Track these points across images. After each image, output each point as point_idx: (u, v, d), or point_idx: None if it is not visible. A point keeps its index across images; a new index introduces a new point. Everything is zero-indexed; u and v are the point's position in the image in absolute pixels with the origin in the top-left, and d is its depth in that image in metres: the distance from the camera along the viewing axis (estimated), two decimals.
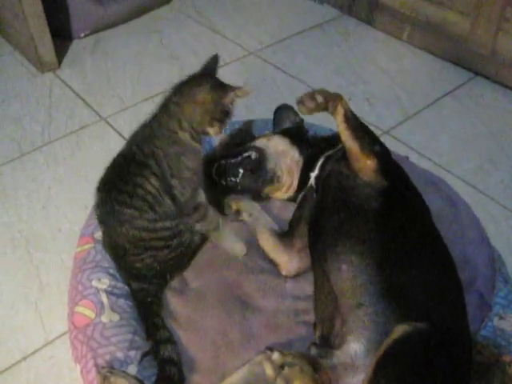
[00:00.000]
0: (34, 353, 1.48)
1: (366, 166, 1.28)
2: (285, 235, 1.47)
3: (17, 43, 2.63)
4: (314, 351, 1.15)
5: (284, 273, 1.43)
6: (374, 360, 1.04)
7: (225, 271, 1.41)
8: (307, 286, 1.38)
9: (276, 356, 1.14)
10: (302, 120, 1.68)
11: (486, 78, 2.47)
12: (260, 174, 1.52)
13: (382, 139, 2.07)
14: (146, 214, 1.28)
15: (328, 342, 1.17)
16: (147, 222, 1.29)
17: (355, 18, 2.93)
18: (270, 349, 1.16)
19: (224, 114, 1.34)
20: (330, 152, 1.48)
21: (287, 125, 1.68)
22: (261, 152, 1.53)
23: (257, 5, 3.09)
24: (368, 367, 1.05)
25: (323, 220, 1.30)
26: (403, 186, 1.34)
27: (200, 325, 1.31)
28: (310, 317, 1.31)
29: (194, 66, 2.52)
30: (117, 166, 1.36)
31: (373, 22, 2.85)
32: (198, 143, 1.35)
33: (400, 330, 1.05)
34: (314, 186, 1.46)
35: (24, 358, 1.46)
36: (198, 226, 1.40)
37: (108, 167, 1.38)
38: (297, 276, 1.43)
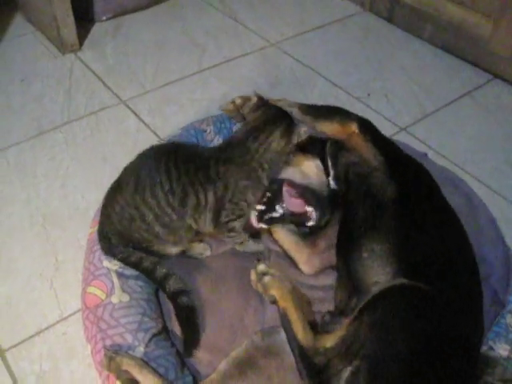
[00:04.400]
0: (47, 328, 1.49)
1: (352, 136, 1.32)
2: (307, 235, 1.47)
3: (39, 23, 2.65)
4: (327, 317, 1.19)
5: (305, 271, 1.43)
6: (364, 300, 1.06)
7: (244, 258, 1.43)
8: (323, 277, 1.39)
9: (261, 266, 1.32)
10: None
11: (505, 80, 2.47)
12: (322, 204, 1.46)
13: (400, 136, 2.11)
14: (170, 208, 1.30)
15: (341, 313, 1.19)
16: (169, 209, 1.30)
17: (376, 14, 2.93)
18: (259, 259, 1.35)
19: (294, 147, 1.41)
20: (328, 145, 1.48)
21: None
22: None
23: None
24: None
25: (351, 216, 1.30)
26: (402, 160, 1.35)
27: (218, 307, 1.33)
28: (325, 306, 1.33)
29: (215, 54, 2.57)
30: (192, 157, 1.36)
31: (393, 19, 2.84)
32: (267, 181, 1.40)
33: (398, 281, 1.07)
34: (336, 187, 1.44)
35: (38, 333, 1.48)
36: (226, 240, 1.44)
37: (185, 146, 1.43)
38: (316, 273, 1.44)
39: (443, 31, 2.63)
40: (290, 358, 1.17)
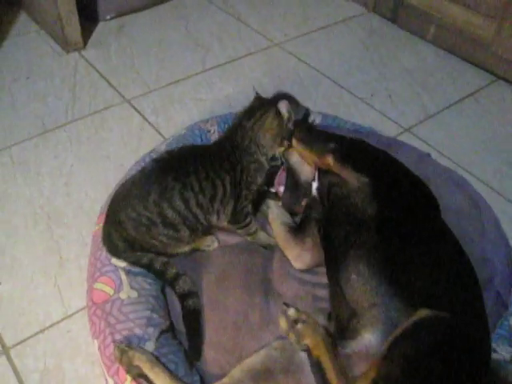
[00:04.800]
0: (51, 326, 1.50)
1: (328, 164, 1.34)
2: (297, 231, 1.48)
3: (43, 22, 2.65)
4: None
5: (297, 266, 1.44)
6: (391, 337, 1.05)
7: (249, 256, 1.44)
8: (326, 276, 1.39)
9: (292, 312, 1.24)
10: (307, 109, 1.66)
11: (508, 82, 2.47)
12: (298, 192, 1.53)
13: (403, 137, 2.11)
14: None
15: (343, 335, 1.17)
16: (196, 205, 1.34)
17: (380, 15, 2.94)
18: (287, 304, 1.26)
19: (291, 133, 1.46)
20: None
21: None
22: (292, 172, 1.55)
23: None
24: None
25: (333, 234, 1.30)
26: (389, 179, 1.34)
27: (222, 304, 1.33)
28: (328, 304, 1.32)
29: (218, 54, 2.57)
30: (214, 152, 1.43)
31: (397, 20, 2.85)
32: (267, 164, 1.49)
33: (422, 313, 1.05)
34: (318, 197, 1.46)
35: (42, 331, 1.48)
36: (240, 231, 1.47)
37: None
38: (309, 269, 1.45)
39: (447, 33, 2.63)
40: (306, 380, 1.17)
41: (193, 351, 1.27)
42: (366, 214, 1.24)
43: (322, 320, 1.29)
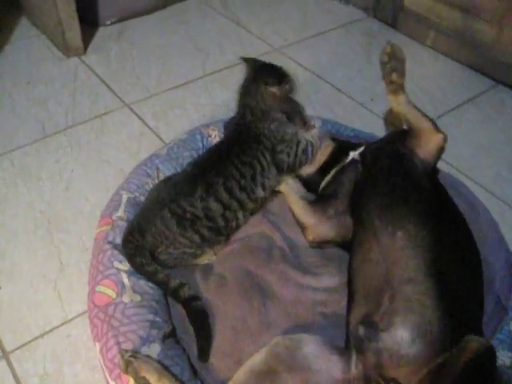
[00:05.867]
0: (51, 330, 1.50)
1: (435, 140, 1.38)
2: (317, 201, 1.48)
3: (44, 27, 2.66)
4: (361, 331, 1.12)
5: (310, 237, 1.43)
6: (448, 370, 1.02)
7: (247, 260, 1.43)
8: (326, 280, 1.39)
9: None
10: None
11: (508, 86, 2.48)
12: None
13: None
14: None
15: (373, 323, 1.12)
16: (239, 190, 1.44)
17: (380, 20, 2.94)
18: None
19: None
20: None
21: None
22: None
23: (282, 2, 3.11)
24: (412, 362, 1.05)
25: (375, 186, 1.31)
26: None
27: (221, 309, 1.33)
28: (328, 309, 1.33)
29: (218, 59, 2.57)
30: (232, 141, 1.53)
31: (397, 25, 2.86)
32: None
33: (472, 344, 1.02)
34: (359, 159, 1.47)
35: (42, 335, 1.48)
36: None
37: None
38: (322, 244, 1.45)
39: (446, 38, 2.64)
40: (314, 377, 1.12)
41: (202, 351, 1.27)
42: (422, 183, 1.28)
43: (323, 323, 1.29)
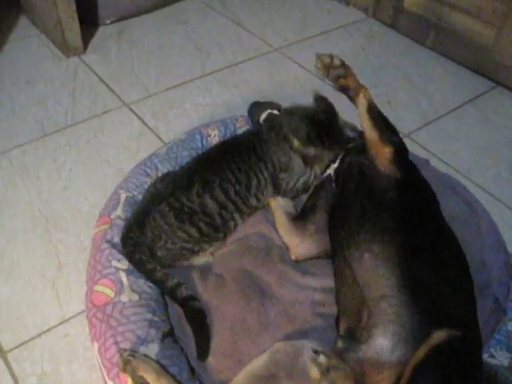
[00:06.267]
0: (49, 330, 1.50)
1: (382, 154, 1.30)
2: (298, 219, 1.49)
3: (44, 26, 2.66)
4: (340, 344, 1.15)
5: (293, 256, 1.44)
6: (412, 364, 1.04)
7: (246, 260, 1.43)
8: (325, 279, 1.38)
9: (322, 359, 1.14)
10: None
11: (508, 88, 2.48)
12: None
13: None
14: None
15: (354, 336, 1.16)
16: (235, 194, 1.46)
17: (379, 21, 2.94)
18: (316, 351, 1.16)
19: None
20: (349, 146, 1.52)
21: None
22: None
23: (282, 2, 3.11)
24: (394, 367, 1.06)
25: (345, 209, 1.31)
26: (417, 181, 1.36)
27: (219, 310, 1.32)
28: (326, 309, 1.33)
29: (218, 58, 2.57)
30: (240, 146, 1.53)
31: (397, 26, 2.86)
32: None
33: (438, 336, 1.05)
34: (333, 176, 1.48)
35: (39, 335, 1.48)
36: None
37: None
38: (307, 261, 1.45)
39: (446, 39, 2.64)
40: None
41: (201, 350, 1.27)
42: (388, 196, 1.26)
43: (321, 323, 1.29)
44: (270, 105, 1.67)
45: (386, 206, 1.24)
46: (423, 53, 2.72)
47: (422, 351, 1.04)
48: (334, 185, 1.47)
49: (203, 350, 1.27)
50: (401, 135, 2.11)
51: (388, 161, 1.29)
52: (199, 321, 1.30)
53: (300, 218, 1.49)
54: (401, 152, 1.33)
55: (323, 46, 2.73)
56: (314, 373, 1.13)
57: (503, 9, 2.33)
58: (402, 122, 2.24)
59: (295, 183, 1.54)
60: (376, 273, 1.15)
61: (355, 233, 1.23)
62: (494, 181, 2.00)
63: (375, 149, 1.32)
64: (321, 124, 1.50)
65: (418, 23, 2.74)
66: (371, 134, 1.34)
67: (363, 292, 1.16)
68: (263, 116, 1.63)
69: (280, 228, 1.50)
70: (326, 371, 1.12)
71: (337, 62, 1.42)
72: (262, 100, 1.72)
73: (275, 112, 1.63)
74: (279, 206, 1.54)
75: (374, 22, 2.95)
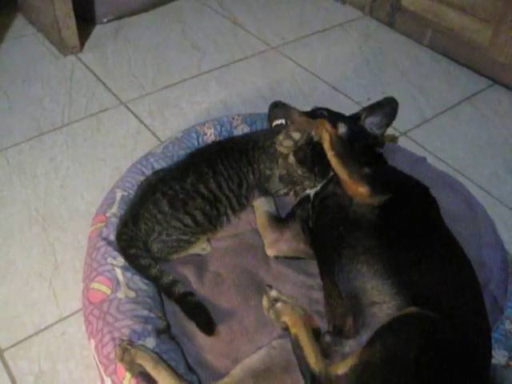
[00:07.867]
0: (46, 328, 1.49)
1: (358, 192, 1.29)
2: (279, 221, 1.51)
3: (40, 25, 2.65)
4: (328, 338, 1.17)
5: (268, 252, 1.46)
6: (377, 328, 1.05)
7: (243, 258, 1.43)
8: (320, 279, 1.39)
9: (273, 292, 1.31)
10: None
11: (505, 86, 2.48)
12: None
13: (399, 140, 2.11)
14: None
15: (342, 333, 1.17)
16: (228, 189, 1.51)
17: (376, 19, 2.95)
18: (270, 286, 1.34)
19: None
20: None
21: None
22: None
23: (279, 0, 3.11)
24: None
25: (323, 236, 1.33)
26: (406, 192, 1.34)
27: (216, 308, 1.33)
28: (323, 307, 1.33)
29: (215, 57, 2.57)
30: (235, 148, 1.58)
31: (394, 24, 2.86)
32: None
33: (409, 309, 1.06)
34: (311, 199, 1.47)
35: (36, 333, 1.48)
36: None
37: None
38: (280, 257, 1.47)
39: (443, 37, 2.64)
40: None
41: (205, 325, 1.28)
42: (366, 219, 1.25)
43: (319, 322, 1.30)
44: (288, 111, 1.61)
45: (365, 228, 1.24)
46: (420, 51, 2.72)
47: (389, 319, 1.06)
48: (309, 206, 1.47)
49: (207, 323, 1.28)
50: (397, 133, 2.15)
51: (367, 197, 1.28)
52: (199, 311, 1.30)
53: (281, 221, 1.52)
54: (377, 182, 1.31)
55: (320, 44, 2.74)
56: (265, 302, 1.31)
57: (500, 7, 2.33)
58: (399, 121, 2.22)
59: (277, 191, 1.59)
60: (364, 287, 1.16)
61: (337, 258, 1.24)
62: (491, 179, 2.01)
63: (351, 190, 1.31)
64: (316, 149, 1.48)
65: (415, 21, 2.74)
66: (341, 173, 1.33)
67: (351, 303, 1.17)
68: (275, 122, 1.60)
69: (260, 225, 1.52)
70: (273, 302, 1.29)
71: (297, 136, 1.44)
72: (283, 101, 1.68)
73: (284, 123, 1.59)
74: (262, 205, 1.56)
75: (371, 21, 2.95)
